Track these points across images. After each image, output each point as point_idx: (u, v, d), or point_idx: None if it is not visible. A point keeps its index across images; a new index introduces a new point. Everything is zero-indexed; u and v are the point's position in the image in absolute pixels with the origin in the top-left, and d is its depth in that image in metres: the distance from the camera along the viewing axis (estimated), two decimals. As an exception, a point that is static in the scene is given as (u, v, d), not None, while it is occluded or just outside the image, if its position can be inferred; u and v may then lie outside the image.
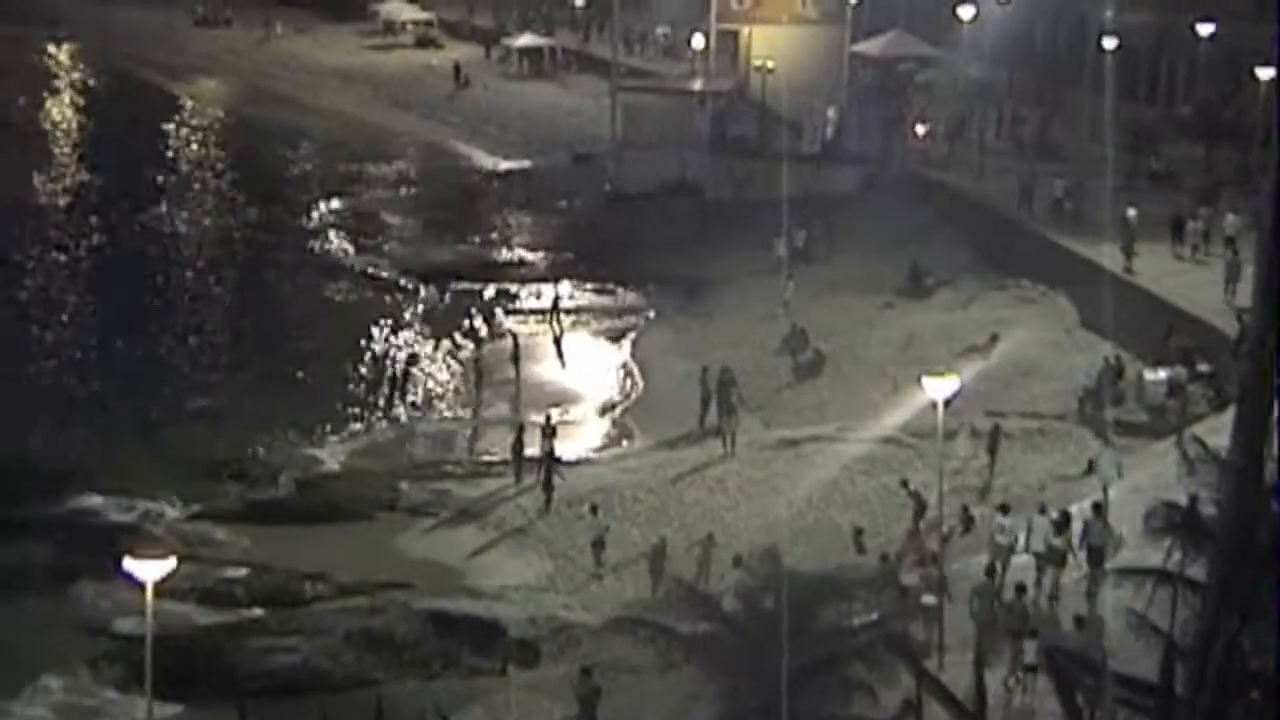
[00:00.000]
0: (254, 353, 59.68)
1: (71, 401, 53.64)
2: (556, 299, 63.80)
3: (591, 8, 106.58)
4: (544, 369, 58.57)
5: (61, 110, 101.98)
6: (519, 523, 44.71)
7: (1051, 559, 34.05)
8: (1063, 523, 34.38)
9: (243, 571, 41.81)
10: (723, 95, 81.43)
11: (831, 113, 77.27)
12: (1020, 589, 31.88)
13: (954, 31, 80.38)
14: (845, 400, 51.62)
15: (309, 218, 78.37)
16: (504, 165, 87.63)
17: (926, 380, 32.82)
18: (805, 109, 76.73)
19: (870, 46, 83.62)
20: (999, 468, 43.68)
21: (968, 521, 38.87)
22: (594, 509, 43.04)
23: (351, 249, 73.78)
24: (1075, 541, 34.05)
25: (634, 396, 56.15)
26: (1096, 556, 33.52)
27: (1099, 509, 35.02)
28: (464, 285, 67.71)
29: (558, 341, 60.90)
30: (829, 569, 34.56)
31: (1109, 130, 65.16)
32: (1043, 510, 35.43)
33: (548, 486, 44.89)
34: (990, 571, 33.24)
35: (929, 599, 32.69)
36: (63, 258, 71.05)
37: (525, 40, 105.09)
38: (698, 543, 40.42)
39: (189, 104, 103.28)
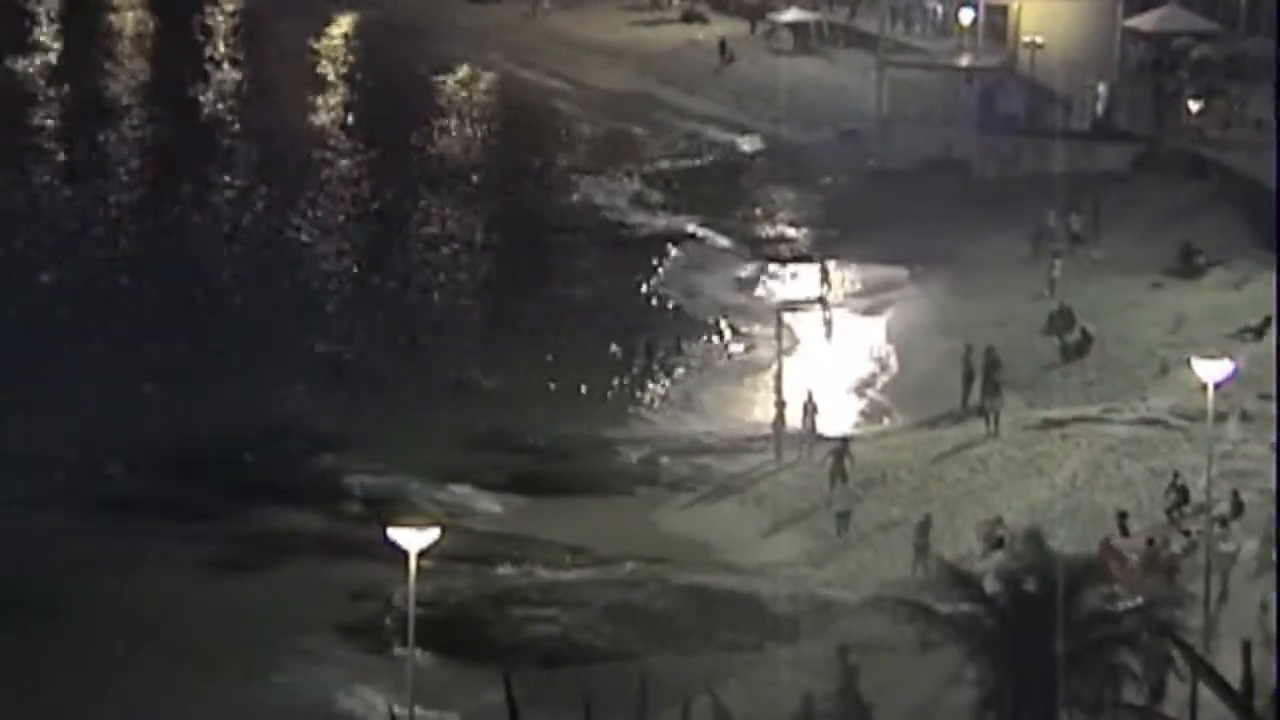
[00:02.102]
0: (522, 323, 60.01)
1: (343, 367, 54.53)
2: (825, 275, 63.30)
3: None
4: (806, 344, 58.31)
5: (334, 82, 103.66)
6: (779, 499, 44.61)
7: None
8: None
9: (505, 542, 42.30)
10: (991, 71, 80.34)
11: (1103, 89, 75.87)
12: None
13: (1231, 5, 78.50)
14: (1112, 381, 50.68)
15: (576, 192, 78.71)
16: (768, 140, 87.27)
17: (1197, 362, 32.10)
18: (1075, 85, 75.41)
19: (1144, 21, 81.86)
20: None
21: (1238, 507, 37.96)
22: (844, 478, 42.94)
23: (619, 222, 74.00)
24: None
25: (895, 374, 55.67)
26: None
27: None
28: (728, 260, 67.83)
29: (826, 320, 60.48)
30: (1093, 552, 34.03)
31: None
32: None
33: (839, 469, 44.29)
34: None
35: None
36: (333, 228, 72.33)
37: (791, 15, 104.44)
38: (984, 523, 39.81)
39: (457, 79, 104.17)
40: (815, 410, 47.72)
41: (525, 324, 59.93)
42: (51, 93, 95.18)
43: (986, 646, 25.83)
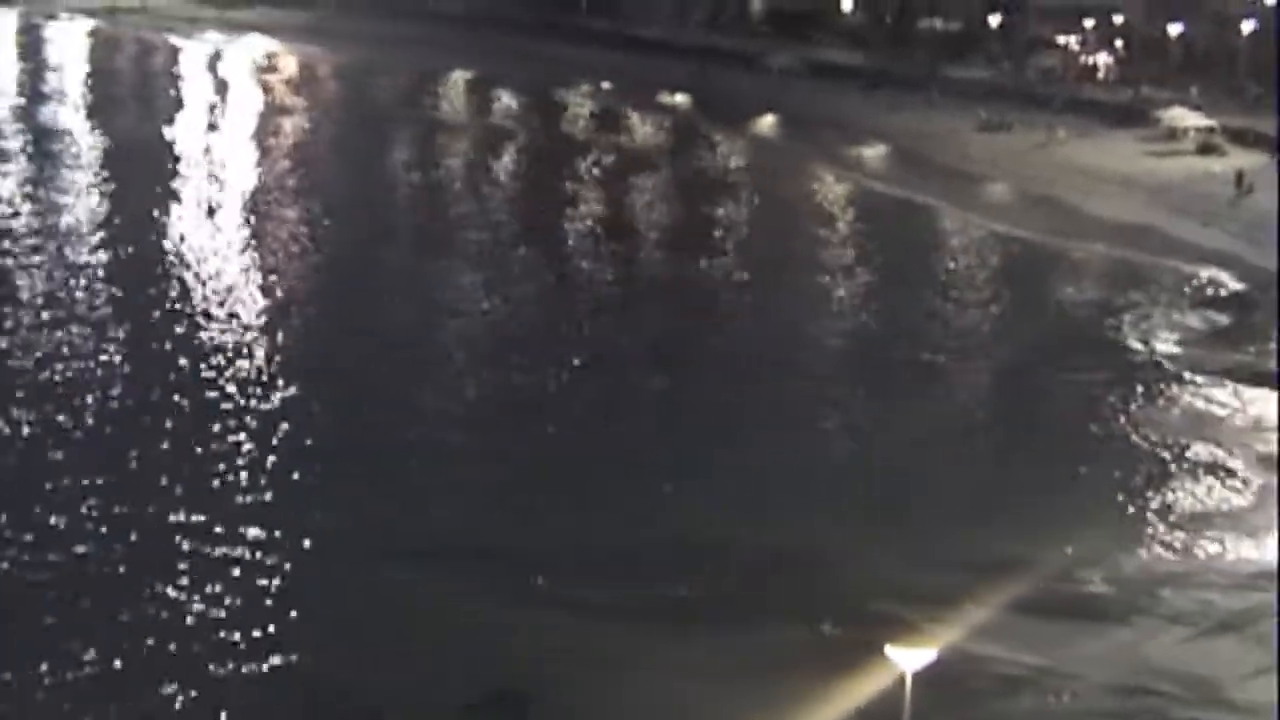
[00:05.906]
0: (997, 444, 59.46)
1: (823, 479, 54.71)
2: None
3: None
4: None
5: (838, 211, 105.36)
6: (1281, 639, 43.52)
7: None
8: None
9: (995, 664, 42.08)
10: None
11: None
12: None
13: None
14: None
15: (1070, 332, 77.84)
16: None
17: None
18: None
19: None
20: None
21: None
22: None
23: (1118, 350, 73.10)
24: None
25: None
26: None
27: None
28: (1235, 393, 66.53)
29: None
30: None
31: None
32: None
33: None
34: None
35: None
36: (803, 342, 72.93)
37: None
38: None
39: (959, 205, 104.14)
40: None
41: (996, 446, 59.33)
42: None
43: None
